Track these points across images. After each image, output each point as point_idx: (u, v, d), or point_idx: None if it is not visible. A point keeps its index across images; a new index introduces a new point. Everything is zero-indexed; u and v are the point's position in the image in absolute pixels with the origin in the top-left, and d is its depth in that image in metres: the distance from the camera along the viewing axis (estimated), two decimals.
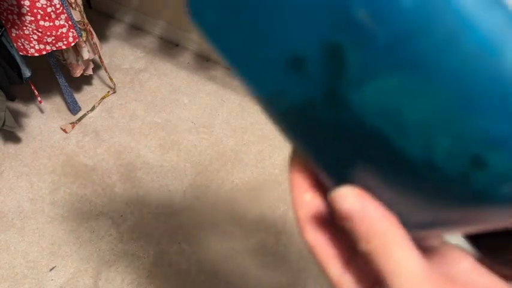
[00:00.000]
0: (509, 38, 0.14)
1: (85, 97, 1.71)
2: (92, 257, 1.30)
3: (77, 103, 1.64)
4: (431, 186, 0.17)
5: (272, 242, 1.35)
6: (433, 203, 0.17)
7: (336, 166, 0.20)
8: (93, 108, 1.67)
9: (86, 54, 1.50)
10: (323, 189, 0.22)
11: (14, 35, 1.28)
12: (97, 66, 1.74)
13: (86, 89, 1.75)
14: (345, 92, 0.17)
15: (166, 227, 1.37)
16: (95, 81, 1.77)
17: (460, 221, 0.17)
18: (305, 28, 0.17)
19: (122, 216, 1.39)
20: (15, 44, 1.30)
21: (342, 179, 0.20)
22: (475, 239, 0.23)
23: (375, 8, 0.15)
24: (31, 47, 1.31)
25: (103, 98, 1.70)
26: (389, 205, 0.19)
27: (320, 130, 0.19)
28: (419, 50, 0.15)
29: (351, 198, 0.19)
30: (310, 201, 0.22)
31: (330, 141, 0.19)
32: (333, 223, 0.21)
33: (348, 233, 0.19)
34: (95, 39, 1.50)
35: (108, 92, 1.72)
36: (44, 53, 1.34)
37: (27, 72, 1.37)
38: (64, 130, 1.60)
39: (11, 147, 1.55)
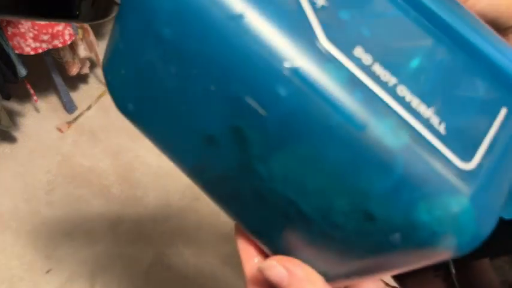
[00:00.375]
0: (369, 113, 0.16)
1: (81, 96, 1.69)
2: (88, 260, 1.28)
3: (73, 102, 1.62)
4: (341, 243, 0.19)
5: None
6: (346, 256, 0.20)
7: (260, 229, 0.22)
8: (89, 108, 1.65)
9: (83, 52, 1.48)
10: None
11: (9, 33, 1.27)
12: (94, 65, 1.72)
13: (83, 87, 1.73)
14: (253, 165, 0.19)
15: (164, 228, 1.35)
16: (92, 79, 1.75)
17: (372, 268, 0.20)
18: (211, 115, 0.19)
19: (119, 217, 1.37)
20: (10, 43, 1.28)
21: (268, 241, 0.22)
22: (400, 279, 0.25)
23: (259, 98, 0.17)
24: (27, 46, 1.29)
25: (100, 96, 1.68)
26: (313, 261, 0.21)
27: (240, 197, 0.21)
28: (302, 128, 0.17)
29: (277, 268, 0.21)
30: (255, 264, 0.24)
31: (250, 207, 0.21)
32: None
33: None
34: (92, 37, 1.49)
35: (105, 90, 1.70)
36: (40, 51, 1.33)
37: (22, 71, 1.35)
38: (60, 130, 1.58)
39: (7, 147, 1.53)
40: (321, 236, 0.20)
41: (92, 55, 1.56)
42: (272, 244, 0.23)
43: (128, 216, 1.37)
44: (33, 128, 1.59)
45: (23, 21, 1.24)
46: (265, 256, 0.24)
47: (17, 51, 1.30)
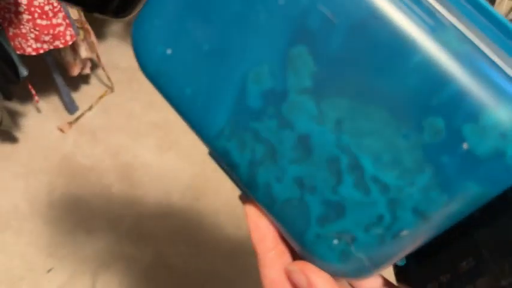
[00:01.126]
0: (436, 21, 0.17)
1: (82, 96, 1.69)
2: (89, 259, 1.28)
3: (74, 102, 1.63)
4: (395, 191, 0.18)
5: None
6: (397, 212, 0.18)
7: (293, 199, 0.20)
8: (90, 108, 1.65)
9: (84, 53, 1.48)
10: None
11: (11, 33, 1.27)
12: (94, 65, 1.72)
13: (84, 88, 1.73)
14: (304, 103, 0.18)
15: (164, 228, 1.35)
16: (93, 80, 1.76)
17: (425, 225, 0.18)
18: (268, 42, 0.19)
19: (119, 217, 1.37)
20: (12, 43, 1.29)
21: (300, 218, 0.20)
22: (404, 278, 0.24)
23: (331, 4, 0.18)
24: (28, 46, 1.29)
25: (101, 97, 1.69)
26: (358, 238, 0.20)
27: (275, 158, 0.20)
28: (371, 37, 0.17)
29: (297, 274, 0.21)
30: (277, 259, 0.22)
31: (287, 168, 0.20)
32: None
33: None
34: (93, 37, 1.49)
35: (106, 91, 1.71)
36: (41, 52, 1.33)
37: (24, 72, 1.35)
38: (61, 130, 1.58)
39: (8, 147, 1.53)
40: (373, 186, 0.18)
41: (93, 56, 1.56)
42: (303, 222, 0.20)
43: (129, 215, 1.38)
44: (35, 128, 1.59)
45: (24, 22, 1.24)
46: (283, 239, 0.23)
47: (18, 52, 1.30)
